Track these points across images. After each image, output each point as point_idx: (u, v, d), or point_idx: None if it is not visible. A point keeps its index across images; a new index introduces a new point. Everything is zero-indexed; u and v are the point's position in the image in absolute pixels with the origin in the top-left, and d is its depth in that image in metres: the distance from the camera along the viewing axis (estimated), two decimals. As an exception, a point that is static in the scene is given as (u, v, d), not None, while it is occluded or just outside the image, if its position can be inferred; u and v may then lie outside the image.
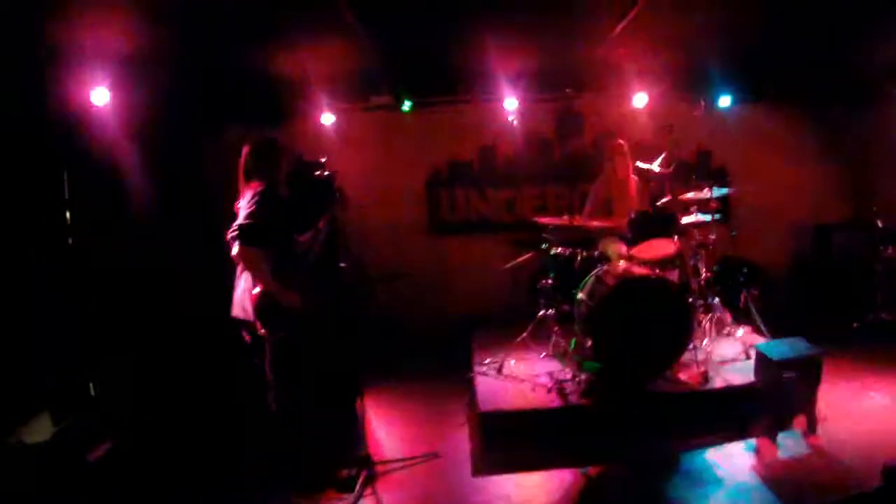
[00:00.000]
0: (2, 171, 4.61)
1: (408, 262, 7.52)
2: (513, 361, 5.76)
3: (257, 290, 4.28)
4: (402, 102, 6.99)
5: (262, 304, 4.31)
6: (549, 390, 5.08)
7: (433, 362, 6.62)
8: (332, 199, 4.94)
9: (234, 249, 4.25)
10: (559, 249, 5.90)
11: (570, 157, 7.63)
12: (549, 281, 5.85)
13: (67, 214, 5.29)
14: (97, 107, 5.32)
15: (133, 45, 5.05)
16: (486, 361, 5.82)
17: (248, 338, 4.50)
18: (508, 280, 6.86)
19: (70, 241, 5.29)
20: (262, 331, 4.34)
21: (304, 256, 4.70)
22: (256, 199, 4.33)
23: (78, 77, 5.10)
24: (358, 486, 4.42)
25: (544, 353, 5.82)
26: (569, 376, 5.23)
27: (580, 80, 7.01)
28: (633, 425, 4.79)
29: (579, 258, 5.79)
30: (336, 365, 5.30)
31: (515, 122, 6.71)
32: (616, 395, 4.98)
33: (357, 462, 4.64)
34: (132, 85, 5.61)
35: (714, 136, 7.52)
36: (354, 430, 4.94)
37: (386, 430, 5.49)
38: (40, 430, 4.37)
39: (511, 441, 4.76)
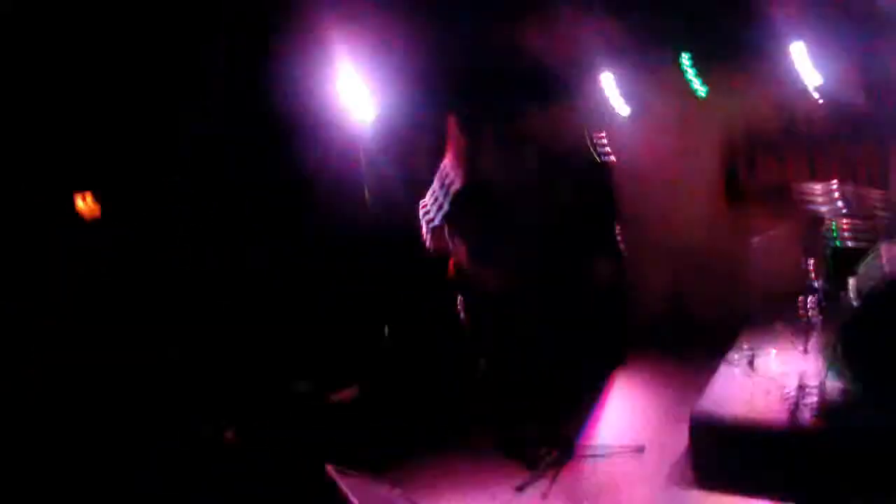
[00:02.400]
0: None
1: (699, 231, 7.01)
2: (774, 352, 5.12)
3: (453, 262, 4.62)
4: (691, 70, 6.52)
5: (458, 276, 4.64)
6: (786, 399, 4.36)
7: (705, 341, 6.11)
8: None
9: (431, 230, 4.61)
10: (844, 223, 5.04)
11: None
12: (811, 262, 5.02)
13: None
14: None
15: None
16: (745, 348, 5.27)
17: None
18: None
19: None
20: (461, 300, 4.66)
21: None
22: (446, 176, 4.65)
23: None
24: (541, 467, 4.51)
25: (805, 349, 5.03)
26: (815, 385, 4.42)
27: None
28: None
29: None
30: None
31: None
32: (860, 425, 4.02)
33: (555, 441, 4.73)
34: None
35: None
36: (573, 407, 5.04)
37: (615, 409, 5.40)
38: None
39: (725, 453, 4.25)
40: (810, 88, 6.03)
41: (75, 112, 4.61)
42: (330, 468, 3.39)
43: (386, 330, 6.83)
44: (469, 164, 4.77)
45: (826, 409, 4.13)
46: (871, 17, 5.73)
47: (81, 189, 5.13)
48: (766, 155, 6.97)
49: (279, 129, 5.71)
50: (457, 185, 4.67)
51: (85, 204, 5.24)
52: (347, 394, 5.72)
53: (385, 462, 4.63)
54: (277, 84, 5.37)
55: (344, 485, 3.09)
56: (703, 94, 6.80)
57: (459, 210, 4.59)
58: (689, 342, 6.35)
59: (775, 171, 6.92)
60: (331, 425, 5.36)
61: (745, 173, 7.10)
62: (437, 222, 4.60)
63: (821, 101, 6.31)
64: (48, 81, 4.48)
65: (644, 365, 6.33)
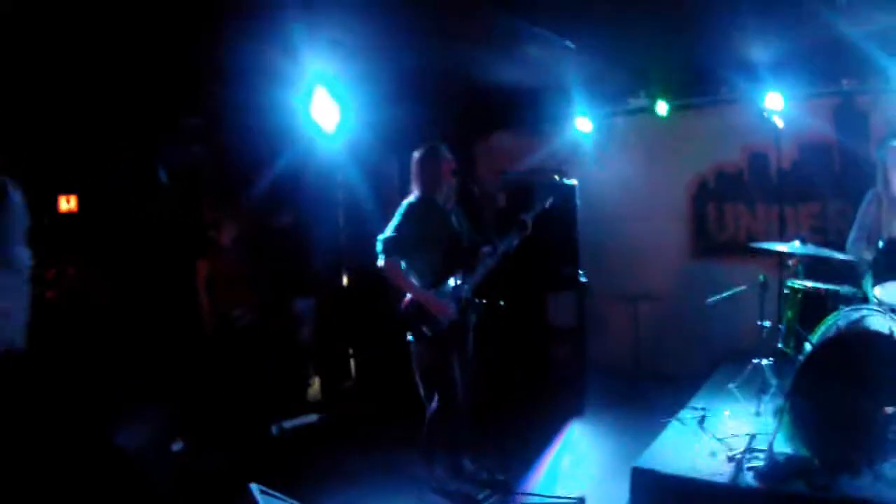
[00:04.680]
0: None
1: (663, 283, 7.05)
2: (727, 413, 5.08)
3: (406, 297, 4.54)
4: (657, 105, 6.56)
5: (408, 313, 4.56)
6: (731, 459, 4.30)
7: (662, 395, 6.18)
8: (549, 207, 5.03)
9: (379, 261, 4.53)
10: (804, 283, 5.00)
11: (851, 166, 6.32)
12: (767, 323, 5.00)
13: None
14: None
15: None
16: (698, 407, 5.24)
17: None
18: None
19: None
20: (409, 337, 4.58)
21: (479, 266, 4.77)
22: (406, 209, 4.60)
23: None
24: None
25: (758, 411, 4.99)
26: (763, 446, 4.33)
27: (860, 69, 5.78)
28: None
29: (829, 296, 4.82)
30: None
31: (783, 125, 5.74)
32: (800, 483, 3.95)
33: (492, 484, 4.66)
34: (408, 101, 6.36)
35: None
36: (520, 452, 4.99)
37: (562, 459, 5.42)
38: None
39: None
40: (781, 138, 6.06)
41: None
42: (253, 487, 3.35)
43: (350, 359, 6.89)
44: (425, 181, 4.73)
45: (769, 472, 4.07)
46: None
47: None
48: (737, 205, 6.98)
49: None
50: (408, 207, 4.66)
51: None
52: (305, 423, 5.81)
53: (320, 489, 4.68)
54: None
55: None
56: (674, 136, 6.87)
57: (406, 235, 4.55)
58: (647, 396, 6.41)
59: (744, 222, 6.94)
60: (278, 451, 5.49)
61: (714, 223, 7.10)
62: (384, 248, 4.55)
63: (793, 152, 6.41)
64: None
65: (599, 414, 6.32)
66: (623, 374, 7.02)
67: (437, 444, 4.72)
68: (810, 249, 4.81)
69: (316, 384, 6.90)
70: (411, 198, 4.71)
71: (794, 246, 4.87)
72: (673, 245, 7.24)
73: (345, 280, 7.43)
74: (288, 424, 5.93)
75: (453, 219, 4.83)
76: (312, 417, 6.21)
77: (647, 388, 6.65)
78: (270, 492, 3.44)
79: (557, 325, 6.99)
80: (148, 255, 5.77)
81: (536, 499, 4.64)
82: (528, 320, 6.81)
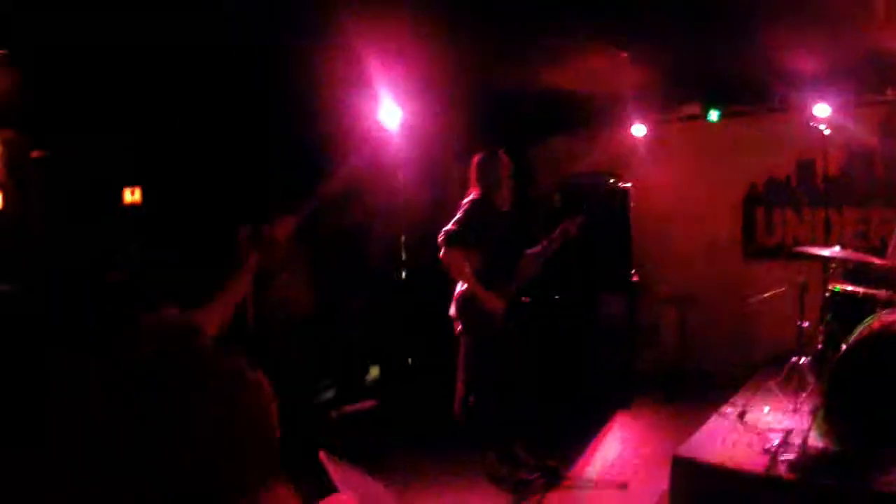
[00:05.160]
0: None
1: (711, 284, 7.31)
2: (767, 409, 5.34)
3: (459, 289, 4.95)
4: (709, 112, 6.82)
5: (461, 305, 4.97)
6: (766, 451, 4.58)
7: (705, 391, 6.45)
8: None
9: (441, 252, 4.93)
10: (844, 287, 5.24)
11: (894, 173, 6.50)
12: (807, 323, 5.26)
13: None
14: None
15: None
16: (739, 402, 5.51)
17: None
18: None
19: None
20: (458, 330, 4.98)
21: (528, 265, 5.17)
22: (467, 206, 5.03)
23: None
24: (525, 493, 4.80)
25: (796, 409, 5.24)
26: (797, 442, 4.62)
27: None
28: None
29: (867, 300, 5.05)
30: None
31: (830, 133, 5.96)
32: (831, 477, 4.20)
33: (542, 469, 5.02)
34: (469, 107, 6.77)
35: None
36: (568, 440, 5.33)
37: (608, 447, 5.70)
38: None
39: (700, 496, 4.53)
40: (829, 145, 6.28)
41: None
42: (322, 453, 3.73)
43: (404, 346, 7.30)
44: (484, 184, 5.12)
45: (802, 465, 4.36)
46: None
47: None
48: (785, 211, 7.19)
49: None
50: (469, 204, 5.05)
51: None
52: (365, 405, 6.19)
53: (378, 467, 5.00)
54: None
55: (331, 469, 3.38)
56: (725, 143, 7.11)
57: (467, 230, 4.94)
58: (691, 392, 6.70)
59: (791, 227, 7.15)
60: (342, 431, 5.85)
61: (763, 227, 7.32)
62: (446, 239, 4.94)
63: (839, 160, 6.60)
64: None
65: (645, 409, 6.67)
66: (669, 372, 7.27)
67: (486, 433, 5.11)
68: (850, 254, 5.06)
69: (374, 372, 7.33)
70: (472, 196, 5.11)
71: (836, 250, 5.13)
72: (722, 248, 7.48)
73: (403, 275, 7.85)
74: (347, 410, 6.36)
75: (507, 221, 5.21)
76: (369, 403, 6.63)
77: (692, 384, 6.92)
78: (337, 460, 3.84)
79: (609, 323, 7.31)
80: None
81: (583, 483, 5.01)
82: (581, 318, 7.14)
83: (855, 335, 4.67)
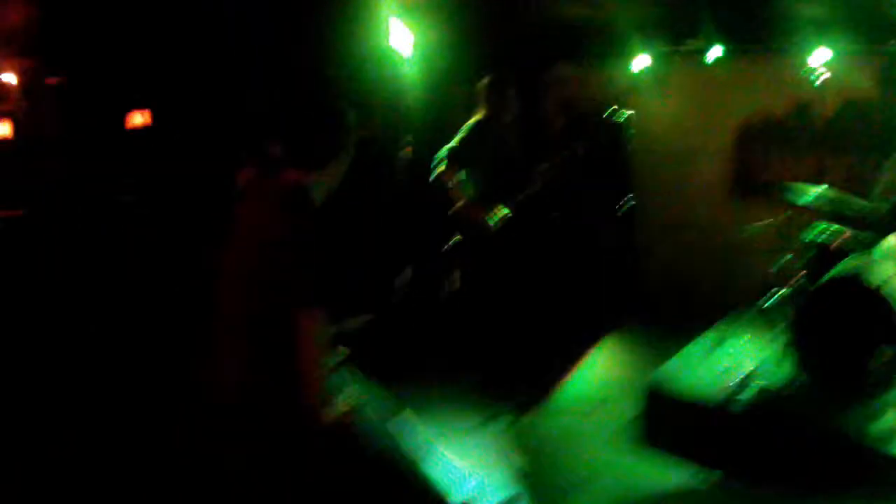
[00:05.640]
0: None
1: (706, 215, 7.55)
2: (746, 337, 5.65)
3: (458, 204, 5.26)
4: (711, 47, 6.92)
5: (457, 216, 5.35)
6: (730, 385, 4.86)
7: (695, 315, 6.50)
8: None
9: (439, 167, 5.24)
10: (828, 226, 5.46)
11: (891, 123, 6.60)
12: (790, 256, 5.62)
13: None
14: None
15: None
16: (720, 329, 5.85)
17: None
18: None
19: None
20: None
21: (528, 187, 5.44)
22: (470, 126, 5.30)
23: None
24: (506, 407, 5.20)
25: (773, 337, 5.53)
26: (767, 372, 4.99)
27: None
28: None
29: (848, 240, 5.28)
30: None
31: (828, 78, 6.08)
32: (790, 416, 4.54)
33: (527, 389, 5.40)
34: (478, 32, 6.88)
35: None
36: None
37: (593, 368, 6.25)
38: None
39: (669, 420, 4.88)
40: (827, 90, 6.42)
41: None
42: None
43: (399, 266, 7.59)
44: (490, 105, 5.37)
45: (768, 395, 4.72)
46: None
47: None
48: (780, 150, 7.36)
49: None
50: (474, 124, 5.33)
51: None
52: (358, 322, 6.50)
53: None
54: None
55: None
56: (726, 80, 7.25)
57: (467, 147, 5.23)
58: (681, 316, 6.90)
59: (785, 166, 7.31)
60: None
61: (756, 164, 7.51)
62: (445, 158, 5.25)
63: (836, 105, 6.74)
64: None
65: (633, 333, 6.97)
66: (660, 295, 7.61)
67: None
68: (835, 194, 5.29)
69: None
70: (477, 117, 5.37)
71: (822, 190, 5.36)
72: (716, 181, 7.69)
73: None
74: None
75: (511, 141, 5.49)
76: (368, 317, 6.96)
77: (681, 309, 7.16)
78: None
79: (606, 245, 7.62)
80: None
81: (563, 403, 5.41)
82: (580, 240, 7.43)
83: (824, 279, 4.95)
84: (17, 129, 5.17)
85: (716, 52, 6.99)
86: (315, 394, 2.48)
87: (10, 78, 5.03)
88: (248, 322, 2.55)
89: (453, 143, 5.31)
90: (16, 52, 4.87)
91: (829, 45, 6.28)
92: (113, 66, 5.02)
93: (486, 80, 5.47)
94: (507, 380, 5.51)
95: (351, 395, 2.87)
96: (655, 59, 7.46)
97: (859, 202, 5.35)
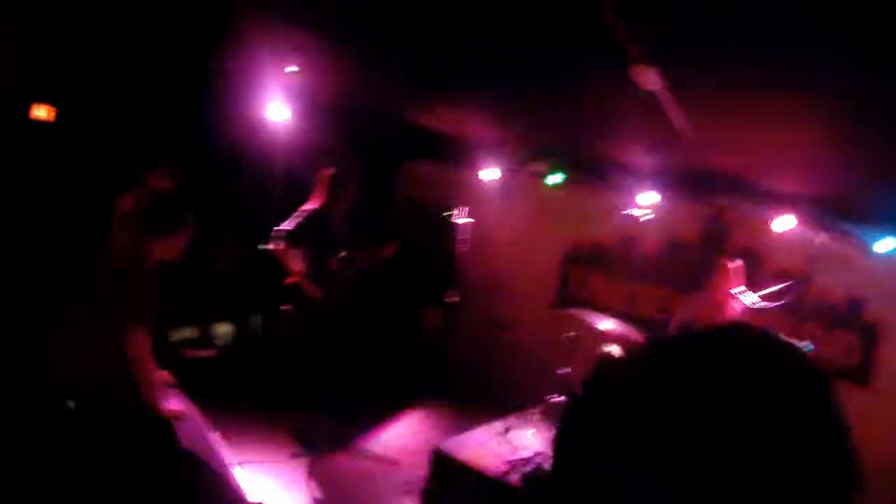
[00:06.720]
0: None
1: (526, 321, 8.52)
2: (531, 432, 6.32)
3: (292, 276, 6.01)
4: (553, 174, 7.95)
5: (290, 288, 6.10)
6: (508, 462, 5.55)
7: (497, 405, 7.22)
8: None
9: (272, 245, 6.02)
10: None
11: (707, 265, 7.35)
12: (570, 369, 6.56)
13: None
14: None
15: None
16: (510, 420, 6.53)
17: None
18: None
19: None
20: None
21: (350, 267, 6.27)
22: (306, 212, 6.16)
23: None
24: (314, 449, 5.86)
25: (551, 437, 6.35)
26: (539, 460, 5.66)
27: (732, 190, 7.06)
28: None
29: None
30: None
31: (652, 218, 7.19)
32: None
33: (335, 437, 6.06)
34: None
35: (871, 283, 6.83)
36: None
37: (395, 432, 6.97)
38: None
39: (447, 484, 5.59)
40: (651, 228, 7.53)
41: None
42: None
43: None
44: (326, 197, 6.18)
45: (532, 477, 5.40)
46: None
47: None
48: (599, 274, 8.42)
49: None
50: (308, 211, 6.12)
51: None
52: (206, 353, 6.97)
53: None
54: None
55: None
56: (563, 203, 8.26)
57: (303, 230, 6.03)
58: (484, 403, 7.48)
59: (601, 289, 8.39)
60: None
61: (576, 283, 8.56)
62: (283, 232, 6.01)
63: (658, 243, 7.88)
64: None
65: (439, 408, 7.83)
66: (469, 382, 8.23)
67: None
68: (617, 325, 6.32)
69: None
70: (313, 204, 6.17)
71: (606, 320, 6.44)
72: (540, 292, 8.62)
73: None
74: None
75: (341, 228, 6.30)
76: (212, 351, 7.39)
77: (485, 397, 7.68)
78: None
79: (426, 332, 8.51)
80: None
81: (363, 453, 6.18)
82: (399, 318, 8.30)
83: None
84: None
85: (556, 178, 7.96)
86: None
87: None
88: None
89: (291, 226, 6.03)
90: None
91: (658, 190, 7.28)
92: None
93: (327, 173, 6.24)
94: (319, 426, 6.15)
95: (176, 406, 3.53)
96: (504, 172, 8.37)
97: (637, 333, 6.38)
